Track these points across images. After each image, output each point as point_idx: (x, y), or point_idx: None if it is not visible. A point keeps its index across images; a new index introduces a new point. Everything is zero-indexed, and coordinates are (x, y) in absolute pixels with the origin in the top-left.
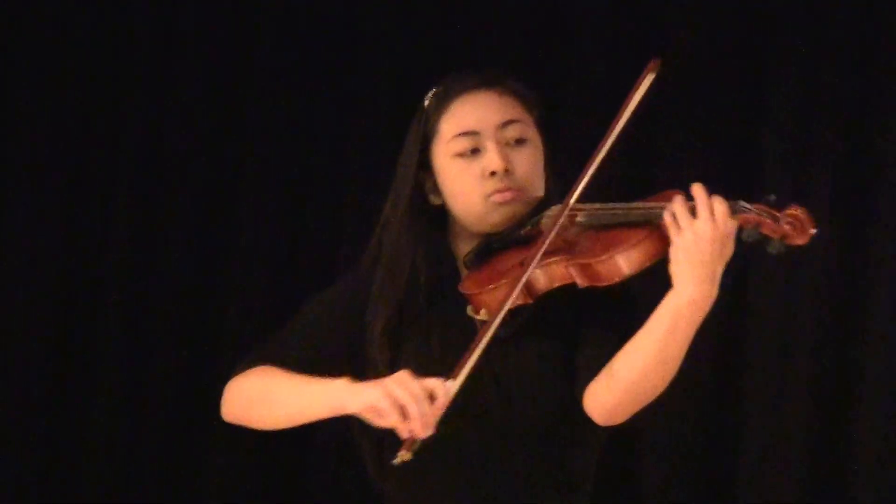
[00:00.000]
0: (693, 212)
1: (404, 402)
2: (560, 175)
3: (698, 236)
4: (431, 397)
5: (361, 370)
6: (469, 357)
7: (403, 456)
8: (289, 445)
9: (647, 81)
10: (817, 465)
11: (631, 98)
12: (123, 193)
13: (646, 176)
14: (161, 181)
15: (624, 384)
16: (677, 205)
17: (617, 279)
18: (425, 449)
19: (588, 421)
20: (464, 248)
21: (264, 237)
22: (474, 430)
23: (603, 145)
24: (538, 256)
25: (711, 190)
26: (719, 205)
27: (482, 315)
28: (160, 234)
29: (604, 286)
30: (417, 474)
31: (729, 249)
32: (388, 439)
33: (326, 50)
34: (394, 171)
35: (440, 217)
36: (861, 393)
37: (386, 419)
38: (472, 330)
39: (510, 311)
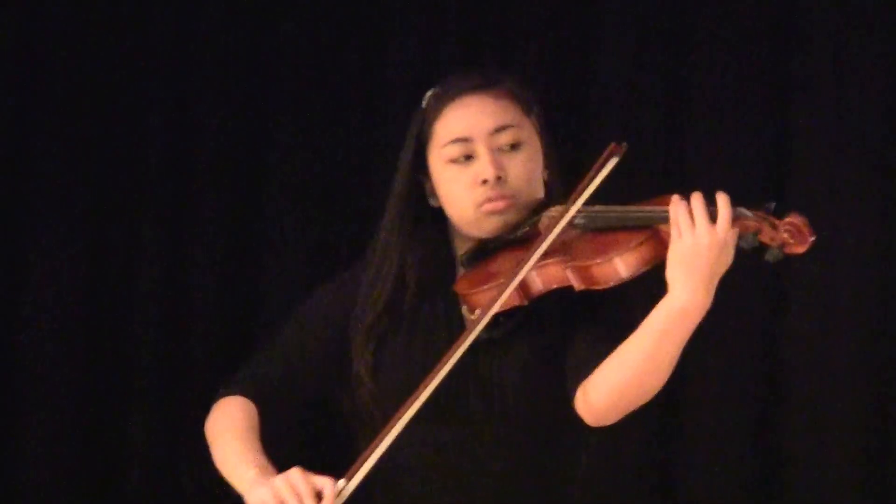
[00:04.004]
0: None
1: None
2: (563, 172)
3: (697, 242)
4: (319, 497)
5: (348, 375)
6: (376, 445)
7: None
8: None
9: (610, 165)
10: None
11: (592, 179)
12: (150, 201)
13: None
14: (187, 186)
15: (614, 387)
16: (678, 208)
17: (613, 283)
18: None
19: (573, 423)
20: (462, 248)
21: (293, 238)
22: (456, 432)
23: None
24: (534, 258)
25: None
26: (723, 209)
27: (476, 315)
28: (188, 240)
29: (600, 289)
30: (398, 476)
31: (727, 257)
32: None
33: (349, 48)
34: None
35: (441, 218)
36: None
37: None
38: (462, 330)
39: (504, 313)
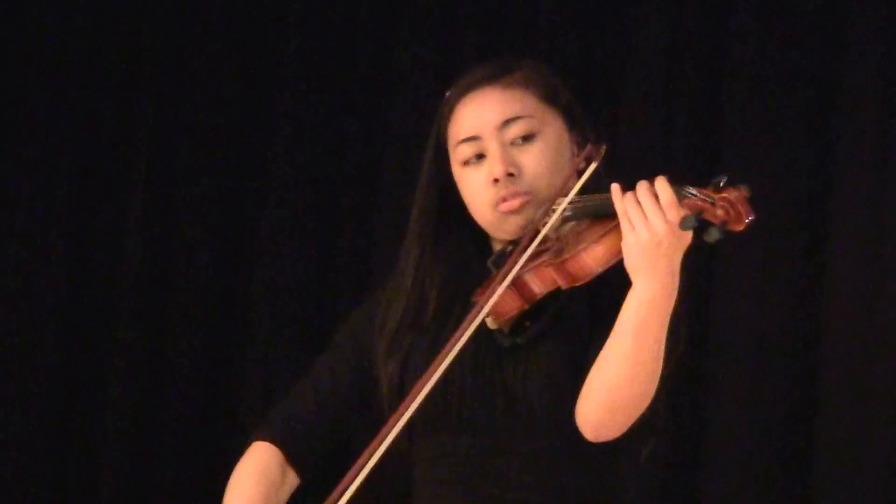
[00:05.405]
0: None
1: None
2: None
3: (654, 232)
4: None
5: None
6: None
7: None
8: None
9: (591, 169)
10: None
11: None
12: (139, 194)
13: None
14: (179, 183)
15: (602, 396)
16: (625, 201)
17: (588, 277)
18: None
19: (614, 441)
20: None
21: (292, 238)
22: (481, 443)
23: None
24: (523, 258)
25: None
26: (664, 193)
27: (490, 323)
28: (178, 238)
29: (581, 285)
30: (421, 487)
31: (686, 237)
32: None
33: (359, 45)
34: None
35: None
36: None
37: None
38: (486, 340)
39: (527, 317)
